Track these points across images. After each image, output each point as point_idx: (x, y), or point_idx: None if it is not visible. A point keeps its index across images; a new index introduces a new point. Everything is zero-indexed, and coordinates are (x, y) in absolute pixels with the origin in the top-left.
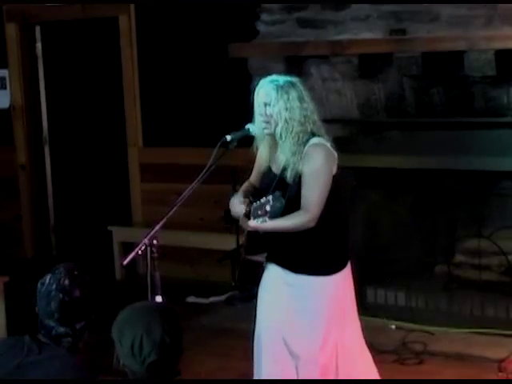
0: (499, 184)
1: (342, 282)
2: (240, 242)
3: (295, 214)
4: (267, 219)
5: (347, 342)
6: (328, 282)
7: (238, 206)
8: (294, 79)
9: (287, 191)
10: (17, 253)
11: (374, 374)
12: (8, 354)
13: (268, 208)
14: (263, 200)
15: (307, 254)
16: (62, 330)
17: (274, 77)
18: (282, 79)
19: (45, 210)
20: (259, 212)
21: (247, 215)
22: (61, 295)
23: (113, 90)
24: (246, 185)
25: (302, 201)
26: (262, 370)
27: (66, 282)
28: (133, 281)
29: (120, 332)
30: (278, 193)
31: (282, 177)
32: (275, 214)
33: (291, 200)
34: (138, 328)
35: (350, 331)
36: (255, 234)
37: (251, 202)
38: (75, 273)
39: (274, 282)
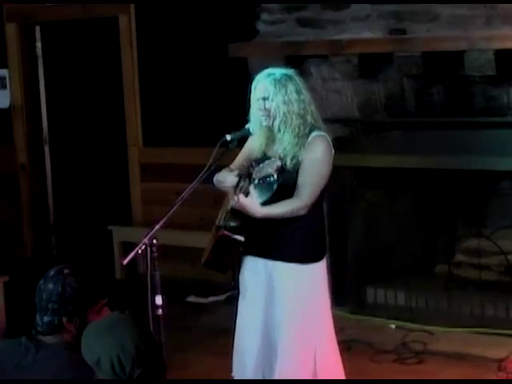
0: (499, 184)
1: (319, 272)
2: (220, 216)
3: (288, 200)
4: (276, 177)
5: (325, 347)
6: (307, 269)
7: (229, 175)
8: (291, 72)
9: (284, 176)
10: (17, 253)
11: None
12: (6, 356)
13: (279, 163)
14: (270, 160)
15: (288, 241)
16: (36, 318)
17: (270, 70)
18: (278, 72)
19: (45, 210)
20: (269, 169)
21: (243, 190)
22: (40, 282)
23: (113, 90)
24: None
25: (297, 187)
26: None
27: (51, 273)
28: (133, 280)
29: (95, 358)
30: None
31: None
32: (279, 179)
33: (287, 186)
34: (111, 349)
35: (328, 334)
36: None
37: (250, 169)
38: (65, 271)
39: (252, 277)
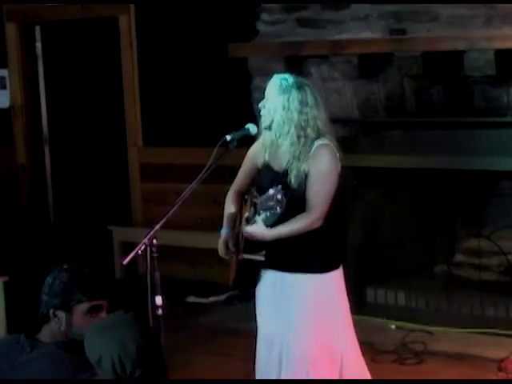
0: (499, 184)
1: (338, 279)
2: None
3: (300, 216)
4: (278, 209)
5: (350, 353)
6: (327, 278)
7: (222, 247)
8: (305, 82)
9: (290, 192)
10: (17, 252)
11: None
12: (4, 353)
13: (279, 197)
14: (271, 191)
15: (303, 252)
16: None
17: (286, 75)
18: (292, 79)
19: (45, 209)
20: (270, 203)
21: (248, 219)
22: None
23: (113, 90)
24: (229, 211)
25: (308, 201)
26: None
27: (56, 268)
28: (133, 280)
29: (96, 357)
30: (280, 187)
31: (285, 180)
32: (283, 207)
33: (296, 200)
34: (113, 349)
35: (351, 339)
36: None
37: (253, 200)
38: (64, 267)
39: (269, 291)
